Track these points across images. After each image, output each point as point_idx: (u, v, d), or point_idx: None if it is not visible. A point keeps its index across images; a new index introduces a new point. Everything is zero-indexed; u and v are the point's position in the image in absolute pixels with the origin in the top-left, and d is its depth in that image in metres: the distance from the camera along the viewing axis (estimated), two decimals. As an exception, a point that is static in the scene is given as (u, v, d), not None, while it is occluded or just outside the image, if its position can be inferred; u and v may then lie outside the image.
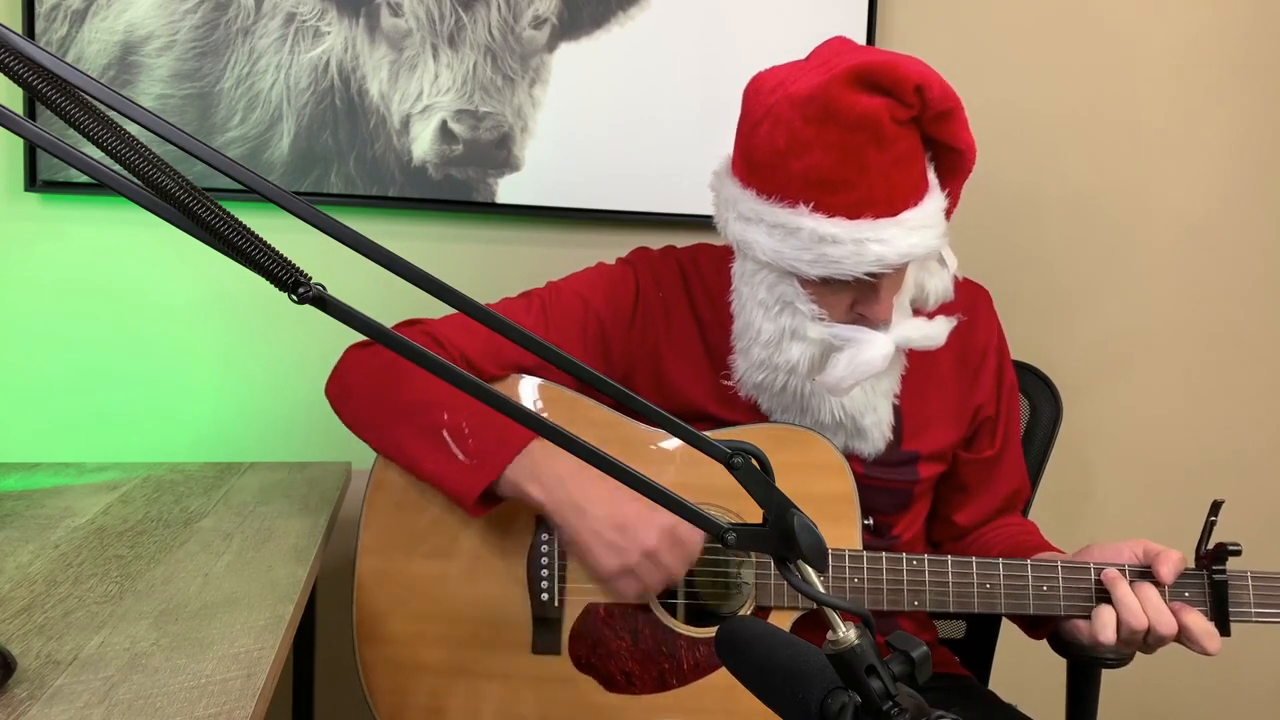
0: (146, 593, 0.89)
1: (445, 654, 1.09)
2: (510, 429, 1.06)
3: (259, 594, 0.90)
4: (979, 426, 1.24)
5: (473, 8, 1.53)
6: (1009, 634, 1.35)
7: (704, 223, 1.62)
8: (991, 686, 1.38)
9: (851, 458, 1.14)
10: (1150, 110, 1.83)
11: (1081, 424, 1.82)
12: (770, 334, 1.09)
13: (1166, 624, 1.01)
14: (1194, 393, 1.89)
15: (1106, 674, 1.23)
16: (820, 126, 0.98)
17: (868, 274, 1.02)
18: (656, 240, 1.34)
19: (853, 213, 1.00)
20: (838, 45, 1.06)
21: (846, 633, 0.55)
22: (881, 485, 1.18)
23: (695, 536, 1.04)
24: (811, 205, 1.01)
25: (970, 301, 1.22)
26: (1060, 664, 1.23)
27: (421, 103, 1.53)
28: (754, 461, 0.56)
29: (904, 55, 1.00)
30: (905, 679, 0.55)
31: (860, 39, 1.65)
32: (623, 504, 1.02)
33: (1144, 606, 1.02)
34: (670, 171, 1.62)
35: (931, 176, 1.06)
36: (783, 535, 0.56)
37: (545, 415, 1.06)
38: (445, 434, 1.05)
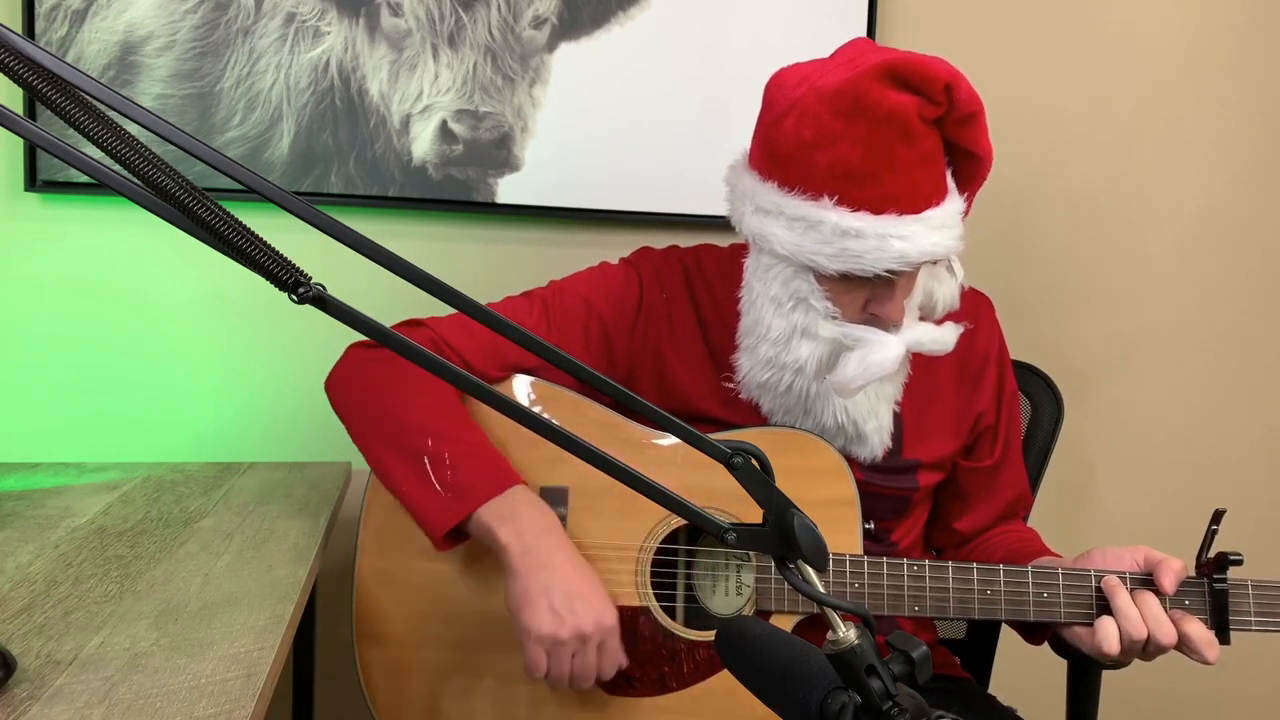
0: (146, 593, 0.89)
1: (444, 655, 1.09)
2: (493, 470, 1.05)
3: (259, 594, 0.90)
4: (979, 435, 1.24)
5: (473, 8, 1.53)
6: (1009, 635, 1.35)
7: (705, 223, 1.63)
8: (992, 687, 1.38)
9: (849, 463, 1.14)
10: (1150, 110, 1.83)
11: (1083, 423, 1.82)
12: (780, 331, 1.09)
13: (1166, 634, 1.01)
14: (1195, 392, 1.89)
15: (1106, 676, 1.23)
16: (849, 120, 0.98)
17: (888, 271, 1.02)
18: (656, 240, 1.34)
19: (877, 207, 1.00)
20: (862, 45, 1.07)
21: (846, 633, 0.55)
22: (880, 492, 1.18)
23: (619, 655, 1.02)
24: (836, 198, 1.01)
25: (973, 309, 1.22)
26: (1060, 665, 1.23)
27: (421, 103, 1.53)
28: (754, 461, 0.56)
29: (932, 56, 1.00)
30: (905, 679, 0.55)
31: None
32: (580, 580, 1.00)
33: (1144, 616, 1.01)
34: (670, 171, 1.62)
35: (950, 181, 1.06)
36: (783, 535, 0.56)
37: (546, 416, 1.06)
38: (426, 460, 1.04)
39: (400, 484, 1.05)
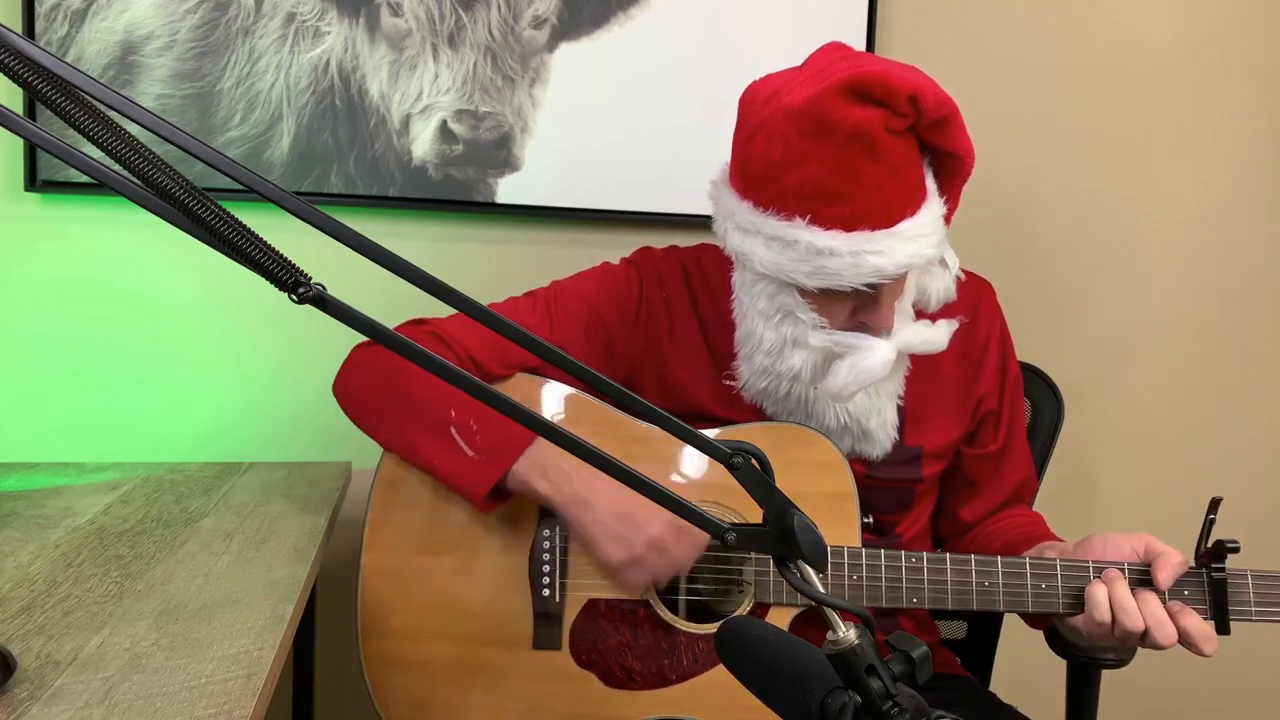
0: (146, 593, 0.89)
1: (447, 649, 1.09)
2: (516, 425, 1.06)
3: (259, 594, 0.90)
4: (982, 420, 1.24)
5: (473, 8, 1.53)
6: (1010, 636, 1.35)
7: (704, 223, 1.61)
8: (992, 687, 1.38)
9: (857, 459, 1.14)
10: (1149, 109, 1.83)
11: (1083, 423, 1.82)
12: (772, 342, 1.09)
13: (1166, 635, 1.00)
14: (1194, 391, 1.89)
15: (1106, 675, 1.23)
16: (815, 140, 0.98)
17: (866, 285, 1.02)
18: (656, 240, 1.34)
19: (849, 225, 1.00)
20: (833, 53, 1.06)
21: (846, 633, 0.55)
22: (884, 485, 1.18)
23: (699, 536, 1.05)
24: (808, 218, 1.01)
25: (974, 296, 1.22)
26: (1061, 665, 1.23)
27: (421, 103, 1.53)
28: (754, 461, 0.56)
29: (898, 64, 1.00)
30: (905, 679, 0.55)
31: (860, 38, 1.65)
32: (627, 495, 1.03)
33: (1144, 614, 1.01)
34: (670, 171, 1.62)
35: (930, 183, 1.06)
36: (783, 535, 0.56)
37: (546, 415, 1.06)
38: (453, 430, 1.07)
39: (432, 458, 1.08)
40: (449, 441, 1.06)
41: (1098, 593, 1.02)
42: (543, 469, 1.05)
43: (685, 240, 1.32)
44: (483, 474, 1.05)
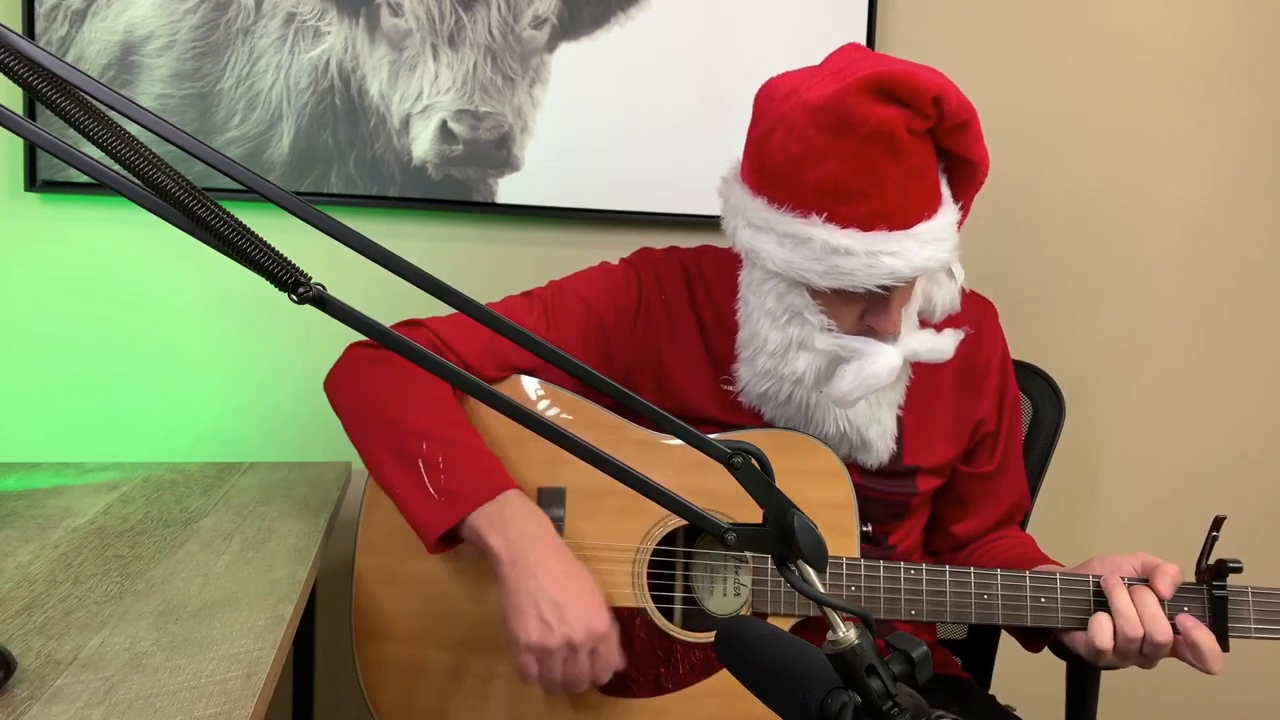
0: (146, 593, 0.89)
1: (442, 653, 1.09)
2: (486, 474, 1.05)
3: (259, 594, 0.90)
4: (979, 441, 1.24)
5: (473, 8, 1.53)
6: (1010, 637, 1.35)
7: (704, 223, 1.63)
8: (992, 688, 1.38)
9: (852, 468, 1.14)
10: (1150, 111, 1.83)
11: (1084, 425, 1.82)
12: (777, 344, 1.08)
13: (1162, 631, 1.00)
14: (1196, 393, 1.89)
15: (1105, 676, 1.23)
16: (835, 136, 0.97)
17: (880, 287, 1.01)
18: (656, 240, 1.34)
19: (866, 224, 0.99)
20: (852, 53, 1.05)
21: (846, 633, 0.55)
22: (878, 496, 1.17)
23: (613, 659, 1.01)
24: (825, 216, 1.00)
25: (976, 315, 1.21)
26: (1060, 666, 1.23)
27: (421, 103, 1.53)
28: (754, 461, 0.56)
29: (920, 65, 0.99)
30: (905, 679, 0.55)
31: (860, 38, 1.65)
32: (571, 587, 0.99)
33: (1140, 614, 1.01)
34: (670, 171, 1.62)
35: (944, 189, 1.05)
36: (783, 535, 0.56)
37: (545, 416, 1.06)
38: (420, 463, 1.04)
39: (394, 486, 1.05)
40: (414, 474, 1.04)
41: (1102, 620, 1.02)
42: (502, 525, 1.01)
43: (685, 240, 1.32)
44: (438, 516, 1.02)
